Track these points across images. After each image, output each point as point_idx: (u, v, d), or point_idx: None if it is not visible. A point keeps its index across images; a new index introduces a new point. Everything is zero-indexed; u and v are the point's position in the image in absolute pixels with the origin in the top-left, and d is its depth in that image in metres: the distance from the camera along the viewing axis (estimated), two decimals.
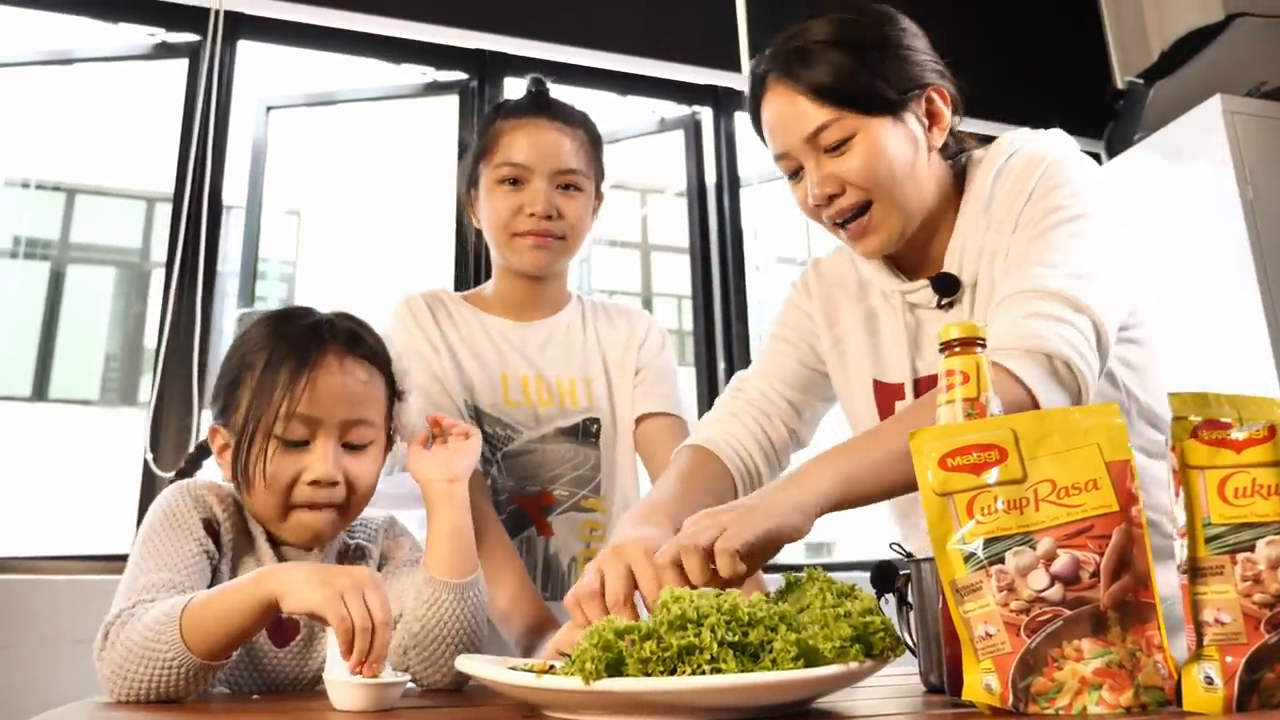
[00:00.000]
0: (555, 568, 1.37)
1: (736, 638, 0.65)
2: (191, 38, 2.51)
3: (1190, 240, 2.65)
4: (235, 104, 2.54)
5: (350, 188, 6.82)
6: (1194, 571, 0.68)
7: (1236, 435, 0.68)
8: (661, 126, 3.03)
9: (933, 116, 1.11)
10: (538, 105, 1.42)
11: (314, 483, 1.01)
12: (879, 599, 1.03)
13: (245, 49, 2.55)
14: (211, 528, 1.01)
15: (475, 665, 0.75)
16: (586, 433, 1.41)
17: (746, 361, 2.95)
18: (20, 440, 6.12)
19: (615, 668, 0.64)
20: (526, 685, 0.67)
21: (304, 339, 1.04)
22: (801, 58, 1.09)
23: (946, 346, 0.82)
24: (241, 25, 2.53)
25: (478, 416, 1.37)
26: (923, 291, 1.15)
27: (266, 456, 1.00)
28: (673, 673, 0.64)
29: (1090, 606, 0.67)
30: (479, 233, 1.45)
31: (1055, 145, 1.13)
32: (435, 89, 2.78)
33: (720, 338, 2.89)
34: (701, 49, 2.91)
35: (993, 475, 0.71)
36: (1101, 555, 0.68)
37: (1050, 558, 0.69)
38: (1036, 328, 0.95)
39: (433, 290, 1.46)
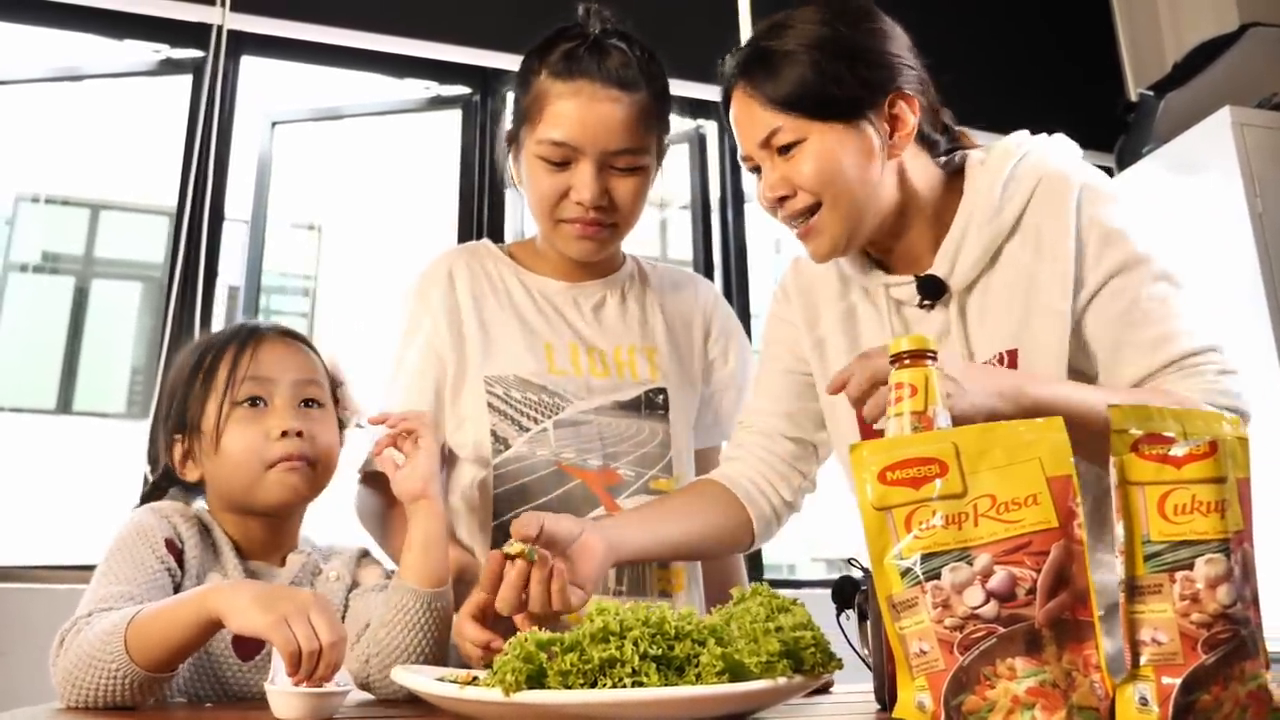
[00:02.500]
0: None
1: (661, 651, 0.64)
2: (196, 54, 2.54)
3: (1198, 253, 2.61)
4: (241, 119, 2.57)
5: (368, 202, 6.90)
6: (1131, 590, 0.67)
7: (1177, 451, 0.66)
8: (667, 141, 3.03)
9: (895, 122, 1.09)
10: (592, 62, 1.19)
11: (283, 435, 1.04)
12: (839, 615, 1.02)
13: (249, 65, 2.58)
14: (174, 546, 1.02)
15: (406, 675, 0.74)
16: (652, 404, 1.28)
17: None
18: (45, 453, 6.21)
19: (537, 679, 0.64)
20: (448, 696, 0.66)
21: (238, 329, 1.11)
22: (761, 62, 1.08)
23: (896, 359, 0.81)
24: (245, 42, 2.57)
25: (518, 384, 1.23)
26: (906, 288, 1.14)
27: (222, 419, 1.04)
28: (594, 686, 0.63)
29: (1025, 624, 0.66)
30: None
31: (1071, 160, 1.13)
32: (439, 103, 2.81)
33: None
34: (706, 64, 2.91)
35: (932, 489, 0.70)
36: (1039, 572, 0.67)
37: (987, 574, 0.68)
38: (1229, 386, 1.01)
39: (468, 247, 1.36)
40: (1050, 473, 0.69)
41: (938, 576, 0.68)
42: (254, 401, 1.06)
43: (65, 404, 7.00)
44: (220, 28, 2.48)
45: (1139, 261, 1.05)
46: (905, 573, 0.69)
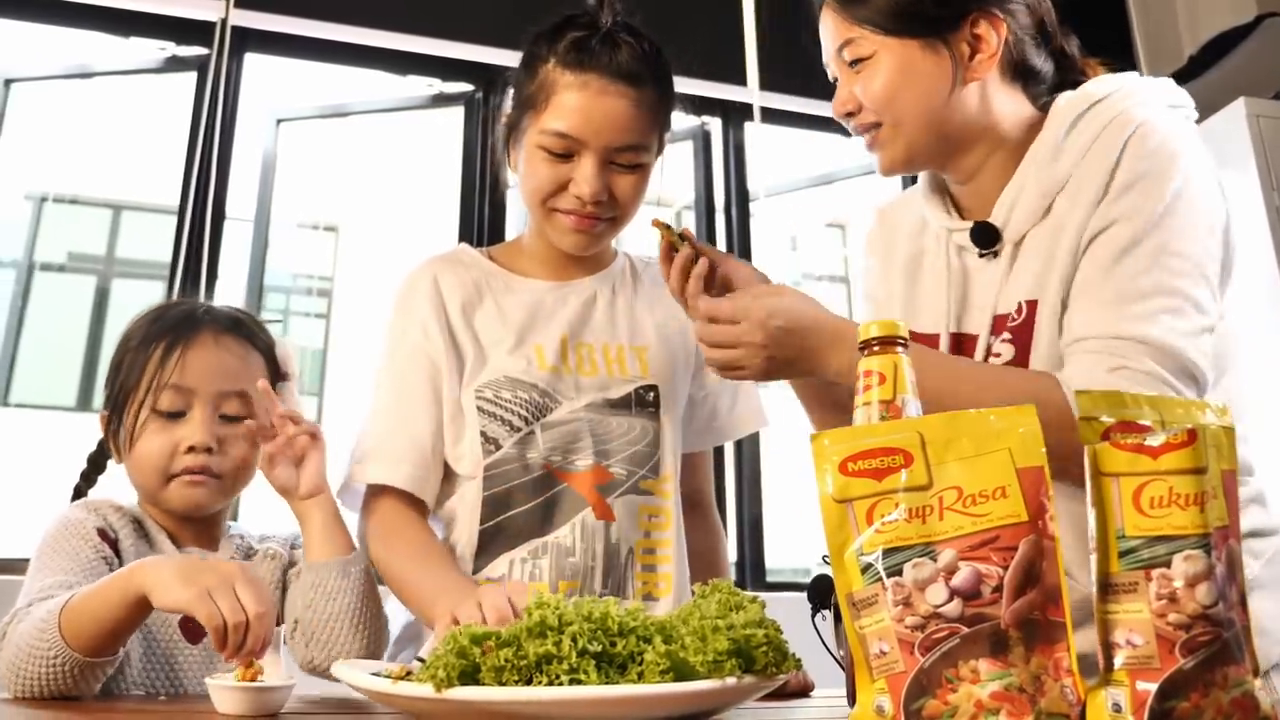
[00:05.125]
0: (615, 560, 1.18)
1: (601, 647, 0.61)
2: (201, 51, 2.55)
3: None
4: (246, 117, 2.57)
5: (378, 201, 6.92)
6: (1105, 588, 0.63)
7: (1153, 440, 0.62)
8: (671, 138, 3.00)
9: (978, 43, 1.04)
10: (604, 54, 1.16)
11: (190, 450, 1.03)
12: (815, 614, 0.99)
13: (253, 62, 2.58)
14: (107, 535, 1.01)
15: (343, 669, 0.72)
16: (642, 402, 1.24)
17: None
18: (64, 449, 6.28)
19: (471, 675, 0.61)
20: (379, 690, 0.63)
21: (179, 320, 1.08)
22: None
23: (865, 345, 0.77)
24: (249, 39, 2.56)
25: (508, 384, 1.20)
26: (966, 234, 1.10)
27: (138, 425, 1.03)
28: (529, 683, 0.60)
29: (990, 624, 0.62)
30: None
31: (1148, 102, 1.03)
32: (442, 100, 2.79)
33: None
34: (709, 61, 2.88)
35: (896, 481, 0.66)
36: (1006, 569, 0.63)
37: (951, 570, 0.63)
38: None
39: (450, 253, 1.31)
40: (1020, 464, 0.65)
41: (899, 573, 0.64)
42: (172, 415, 1.05)
43: (85, 401, 7.07)
44: (224, 22, 2.47)
45: (1149, 215, 0.97)
46: (866, 569, 0.65)
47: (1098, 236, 0.98)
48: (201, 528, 1.09)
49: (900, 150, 1.07)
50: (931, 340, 1.10)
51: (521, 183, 1.22)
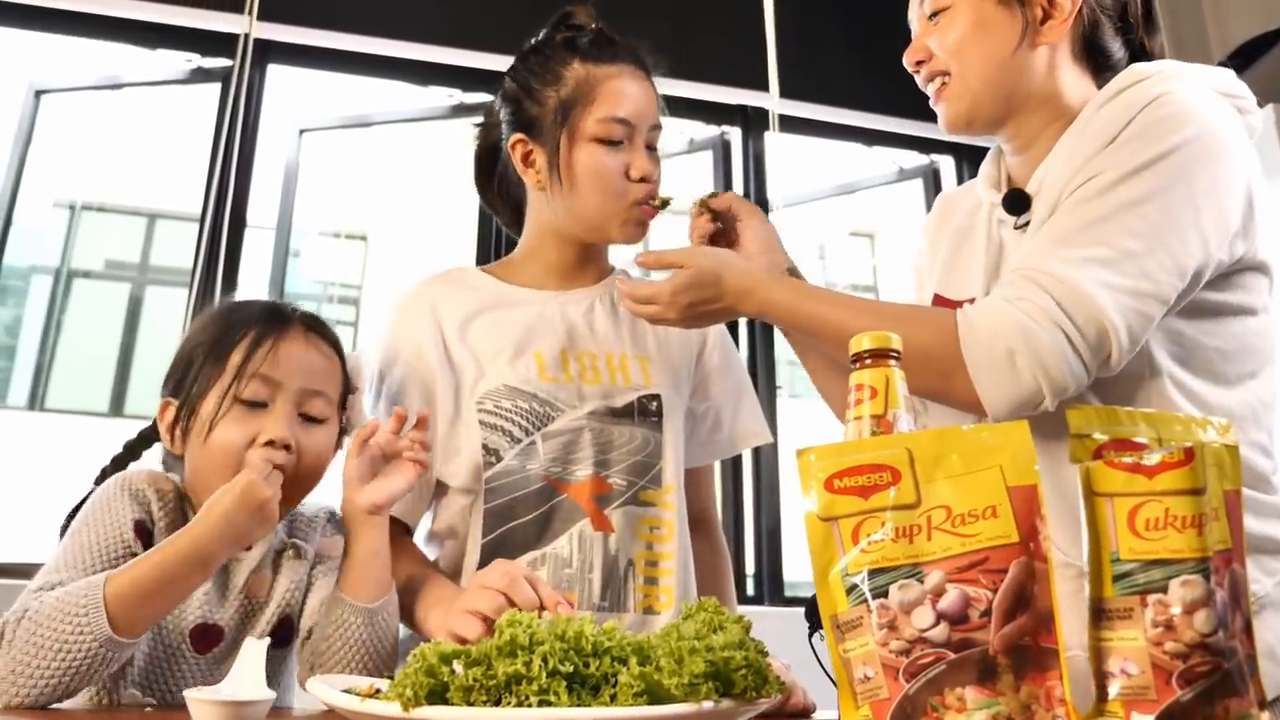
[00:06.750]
0: (615, 572, 1.16)
1: (573, 668, 0.59)
2: (225, 62, 2.57)
3: None
4: (270, 128, 2.60)
5: (405, 211, 6.97)
6: (1098, 614, 0.60)
7: (1148, 459, 0.60)
8: (691, 147, 2.99)
9: (1052, 8, 1.05)
10: (621, 47, 1.23)
11: (269, 443, 1.00)
12: (812, 634, 0.96)
13: (276, 74, 2.61)
14: (144, 528, 0.99)
15: (316, 684, 0.70)
16: (645, 411, 1.23)
17: (772, 387, 2.87)
18: (96, 454, 6.38)
19: (440, 694, 0.59)
20: (346, 709, 0.62)
21: (269, 311, 1.07)
22: None
23: (857, 358, 0.75)
24: (272, 51, 2.59)
25: (507, 394, 1.20)
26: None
27: (220, 412, 1.01)
28: (498, 703, 0.58)
29: (978, 650, 0.59)
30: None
31: (1191, 85, 0.99)
32: (463, 110, 2.80)
33: (745, 362, 2.81)
34: (730, 68, 2.87)
35: (883, 499, 0.64)
36: (995, 592, 0.61)
37: (938, 593, 0.61)
38: (1018, 322, 0.90)
39: (446, 272, 1.31)
40: (1012, 482, 0.62)
41: (885, 594, 0.62)
42: (255, 404, 1.02)
43: (117, 407, 7.18)
44: (247, 35, 2.50)
45: (1129, 167, 0.93)
46: (851, 589, 0.63)
47: (1081, 185, 0.96)
48: None
49: (965, 104, 1.08)
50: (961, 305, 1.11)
51: (585, 186, 1.21)
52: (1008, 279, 0.95)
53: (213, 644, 1.00)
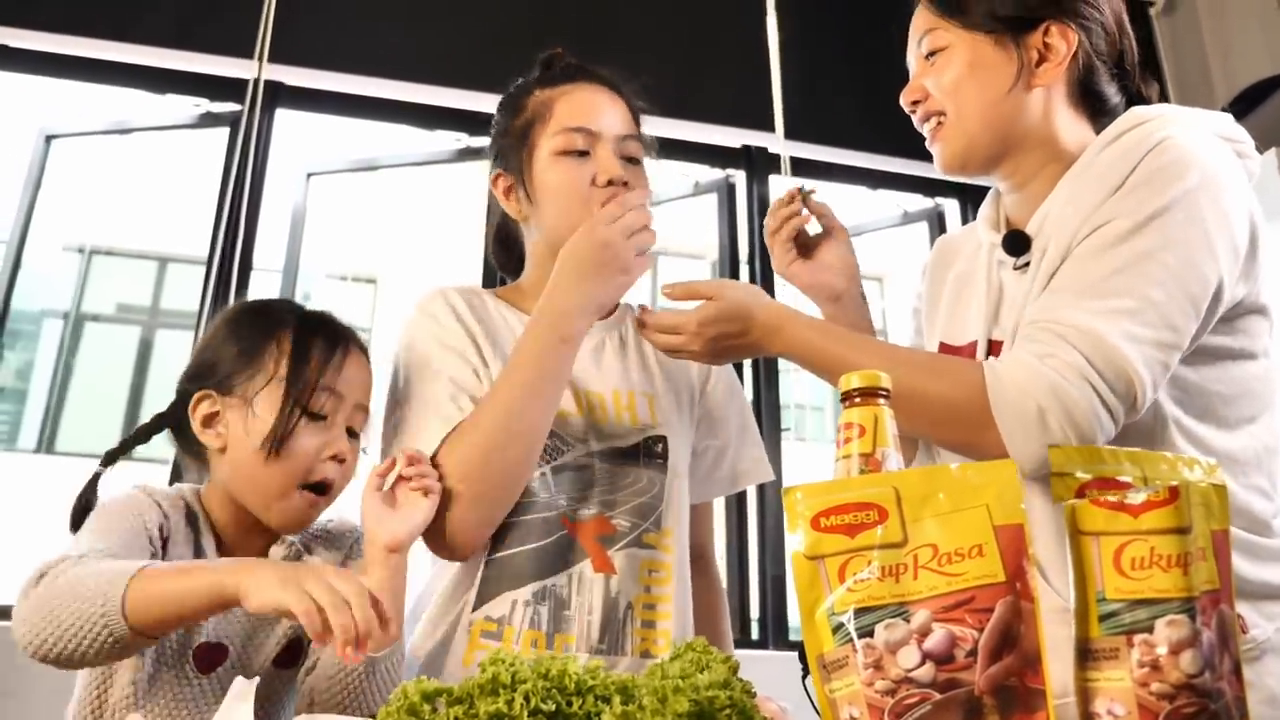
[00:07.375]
0: (614, 614, 1.13)
1: (556, 706, 0.59)
2: (234, 107, 2.62)
3: None
4: (277, 170, 2.63)
5: (414, 254, 7.03)
6: (1084, 654, 0.60)
7: (1133, 498, 0.59)
8: (696, 190, 3.02)
9: (1047, 51, 1.07)
10: (581, 69, 1.25)
11: (333, 458, 1.01)
12: (805, 677, 0.95)
13: (284, 118, 2.65)
14: (164, 534, 0.98)
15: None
16: (650, 453, 1.21)
17: (776, 427, 2.86)
18: (105, 496, 6.37)
19: None
20: None
21: (330, 322, 1.07)
22: None
23: (847, 397, 0.76)
24: (280, 95, 2.64)
25: None
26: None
27: (294, 423, 1.00)
28: None
29: (964, 690, 0.59)
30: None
31: (1192, 129, 1.00)
32: (470, 154, 2.84)
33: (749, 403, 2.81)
34: (735, 110, 2.90)
35: (869, 537, 0.64)
36: (981, 631, 0.60)
37: (924, 632, 0.61)
38: (1049, 380, 0.89)
39: (466, 286, 1.27)
40: (999, 521, 0.62)
41: (871, 634, 0.62)
42: (316, 417, 1.02)
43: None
44: (256, 81, 2.55)
45: (1142, 216, 0.93)
46: (837, 629, 0.63)
47: (1092, 232, 0.96)
48: (256, 536, 1.05)
49: (960, 144, 1.09)
50: (967, 349, 1.11)
51: (551, 204, 1.19)
52: (1029, 332, 0.94)
53: (215, 664, 0.99)
